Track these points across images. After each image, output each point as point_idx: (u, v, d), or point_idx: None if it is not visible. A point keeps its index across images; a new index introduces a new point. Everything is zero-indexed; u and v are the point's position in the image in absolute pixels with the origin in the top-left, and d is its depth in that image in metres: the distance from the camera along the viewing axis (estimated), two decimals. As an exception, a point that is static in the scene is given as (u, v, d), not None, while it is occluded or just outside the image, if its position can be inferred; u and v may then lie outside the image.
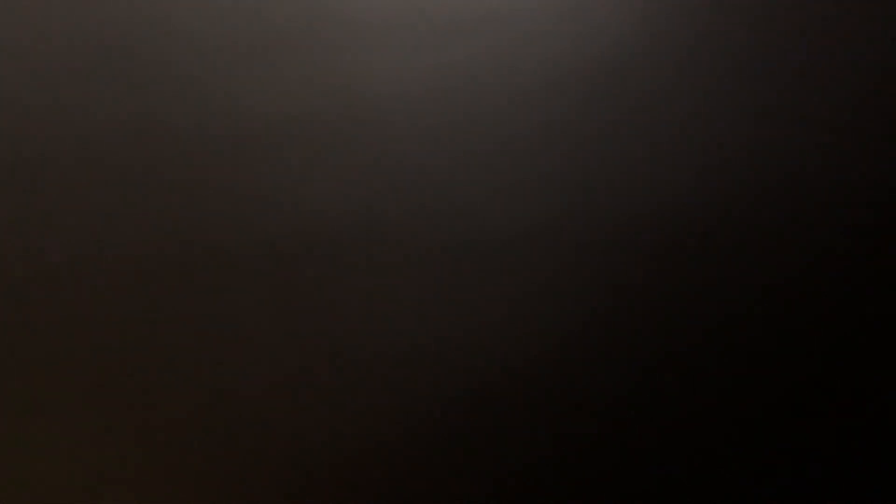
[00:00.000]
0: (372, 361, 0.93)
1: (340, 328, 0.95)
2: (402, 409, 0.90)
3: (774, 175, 1.09)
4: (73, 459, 0.86)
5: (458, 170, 1.10)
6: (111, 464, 0.86)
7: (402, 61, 1.21)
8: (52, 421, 0.89)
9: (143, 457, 0.86)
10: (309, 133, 1.14)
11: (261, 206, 1.06)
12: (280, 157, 1.11)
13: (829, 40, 1.24)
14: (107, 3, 1.30)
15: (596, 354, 0.94)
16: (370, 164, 1.10)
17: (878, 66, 1.21)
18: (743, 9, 1.29)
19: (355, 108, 1.16)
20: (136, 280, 0.99)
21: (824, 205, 1.06)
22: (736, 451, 0.88)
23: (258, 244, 1.02)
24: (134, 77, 1.20)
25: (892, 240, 1.03)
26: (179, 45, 1.24)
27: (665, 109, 1.16)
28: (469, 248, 1.02)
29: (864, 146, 1.12)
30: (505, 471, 0.86)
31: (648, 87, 1.19)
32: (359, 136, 1.13)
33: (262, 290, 0.98)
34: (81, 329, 0.95)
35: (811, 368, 0.93)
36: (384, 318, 0.96)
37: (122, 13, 1.28)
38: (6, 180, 1.09)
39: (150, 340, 0.94)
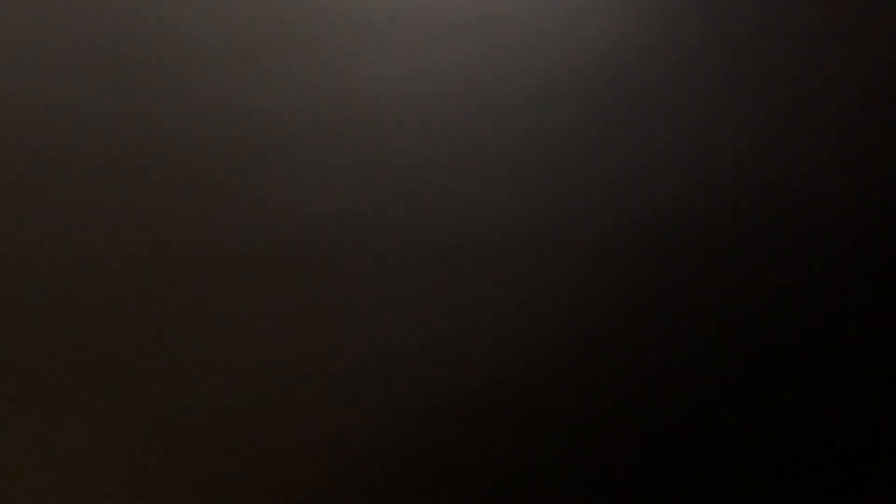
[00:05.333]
0: (373, 362, 0.93)
1: (341, 328, 0.95)
2: (403, 410, 0.90)
3: (775, 177, 1.09)
4: (73, 461, 0.86)
5: (457, 170, 1.10)
6: (113, 466, 0.86)
7: (403, 62, 1.21)
8: (51, 422, 0.89)
9: (144, 458, 0.86)
10: (309, 134, 1.14)
11: (261, 206, 1.06)
12: (280, 157, 1.11)
13: (829, 42, 1.24)
14: (108, 3, 1.30)
15: (596, 355, 0.94)
16: (370, 164, 1.10)
17: (878, 68, 1.21)
18: (743, 11, 1.29)
19: (355, 109, 1.16)
20: (135, 281, 0.99)
21: (825, 208, 1.06)
22: (736, 456, 0.88)
23: (258, 245, 1.02)
24: (134, 78, 1.20)
25: (894, 243, 1.03)
26: (179, 46, 1.24)
27: (665, 112, 1.16)
28: (469, 250, 1.02)
29: (866, 149, 1.12)
30: (504, 473, 0.86)
31: (648, 89, 1.19)
32: (359, 136, 1.13)
33: (262, 291, 0.98)
34: (80, 330, 0.95)
35: (813, 374, 0.93)
36: (385, 318, 0.96)
37: (123, 14, 1.28)
38: (5, 180, 1.09)
39: (148, 341, 0.94)
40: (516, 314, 0.96)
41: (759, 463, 0.87)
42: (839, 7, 1.29)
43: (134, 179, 1.09)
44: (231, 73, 1.20)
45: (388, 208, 1.06)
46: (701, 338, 0.95)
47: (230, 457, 0.86)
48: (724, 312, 0.97)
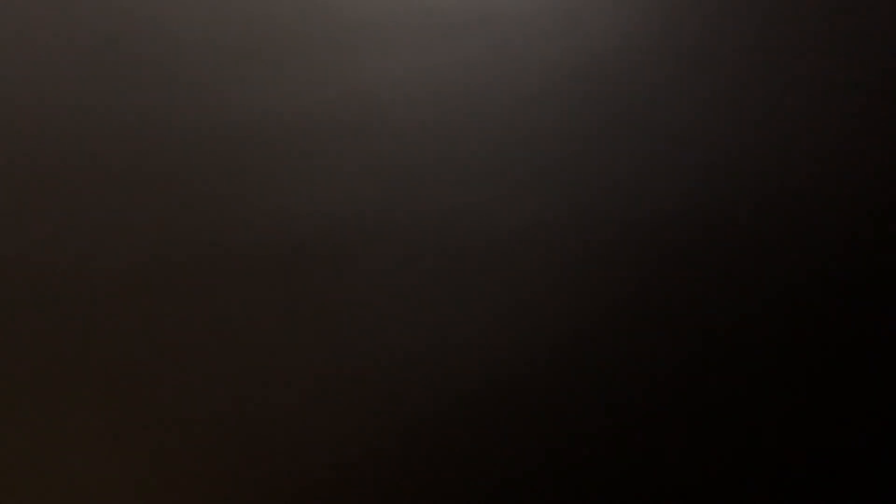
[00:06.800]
0: (373, 363, 0.93)
1: (341, 329, 0.95)
2: (404, 410, 0.90)
3: (775, 177, 1.09)
4: (73, 462, 0.86)
5: (458, 170, 1.10)
6: (113, 466, 0.86)
7: (403, 61, 1.21)
8: (51, 423, 0.89)
9: (144, 458, 0.86)
10: (309, 133, 1.14)
11: (261, 206, 1.06)
12: (280, 157, 1.11)
13: (830, 43, 1.24)
14: (108, 3, 1.30)
15: (596, 355, 0.94)
16: (370, 164, 1.10)
17: (879, 69, 1.21)
18: (744, 11, 1.29)
19: (355, 109, 1.16)
20: (135, 281, 0.99)
21: (825, 208, 1.06)
22: (736, 456, 0.88)
23: (258, 245, 1.02)
24: (134, 78, 1.20)
25: (894, 243, 1.03)
26: (179, 45, 1.24)
27: (665, 112, 1.16)
28: (469, 250, 1.02)
29: (866, 149, 1.12)
30: (504, 473, 0.86)
31: (648, 89, 1.19)
32: (359, 136, 1.13)
33: (262, 292, 0.98)
34: (80, 331, 0.95)
35: (813, 374, 0.93)
36: (385, 318, 0.96)
37: (122, 13, 1.28)
38: (6, 180, 1.09)
39: (149, 341, 0.94)
40: (516, 314, 0.96)
41: (759, 463, 0.87)
42: (840, 8, 1.29)
43: (134, 180, 1.09)
44: (231, 73, 1.20)
45: (387, 208, 1.06)
46: (701, 337, 0.95)
47: (231, 457, 0.87)
48: (725, 312, 0.97)
